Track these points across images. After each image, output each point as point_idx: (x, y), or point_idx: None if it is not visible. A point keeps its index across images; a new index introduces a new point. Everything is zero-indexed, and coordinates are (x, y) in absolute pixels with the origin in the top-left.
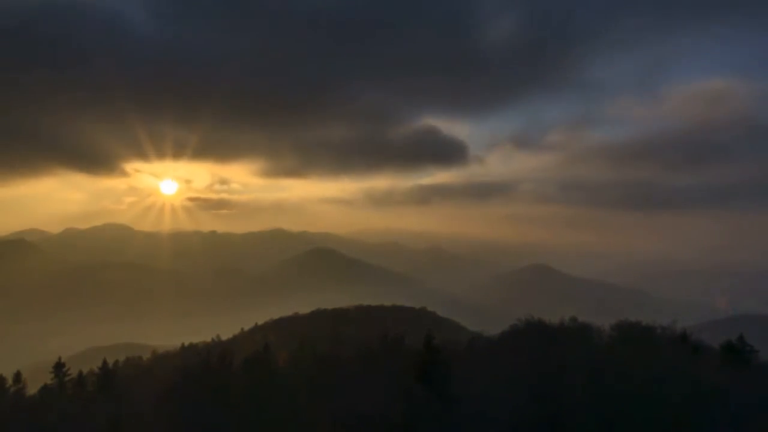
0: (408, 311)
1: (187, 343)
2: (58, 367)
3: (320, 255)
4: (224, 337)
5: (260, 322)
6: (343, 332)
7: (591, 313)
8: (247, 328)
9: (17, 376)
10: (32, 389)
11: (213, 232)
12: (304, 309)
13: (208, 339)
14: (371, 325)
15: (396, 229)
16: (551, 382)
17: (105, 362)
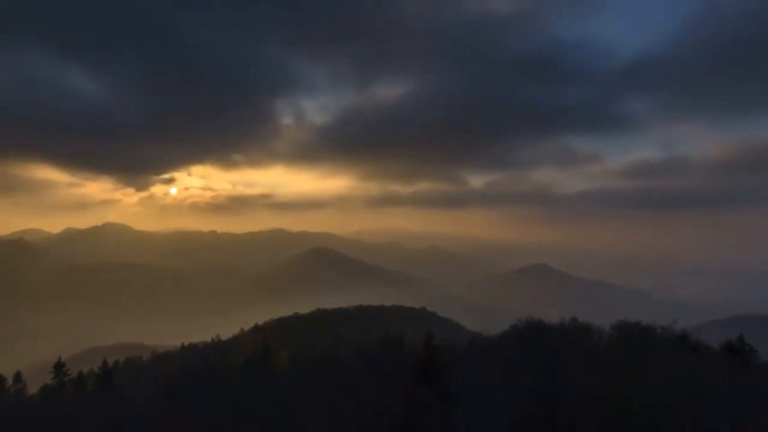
0: (408, 311)
1: (187, 343)
2: (58, 367)
3: (320, 255)
4: (224, 337)
5: (260, 322)
6: (343, 332)
7: (591, 313)
8: (247, 328)
9: (17, 376)
10: (32, 389)
11: (213, 232)
12: (304, 309)
13: (208, 339)
14: (371, 325)
15: (396, 229)
16: (551, 382)
17: (105, 362)
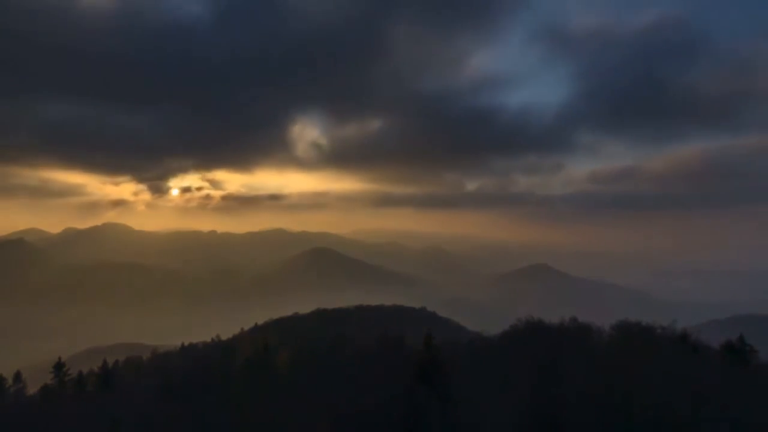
0: (408, 311)
1: (187, 343)
2: (58, 367)
3: (320, 255)
4: (224, 337)
5: (260, 322)
6: (343, 332)
7: (591, 313)
8: (247, 328)
9: (17, 376)
10: (32, 389)
11: (213, 232)
12: (304, 309)
13: (208, 339)
14: (371, 325)
15: (396, 229)
16: (551, 382)
17: (105, 362)
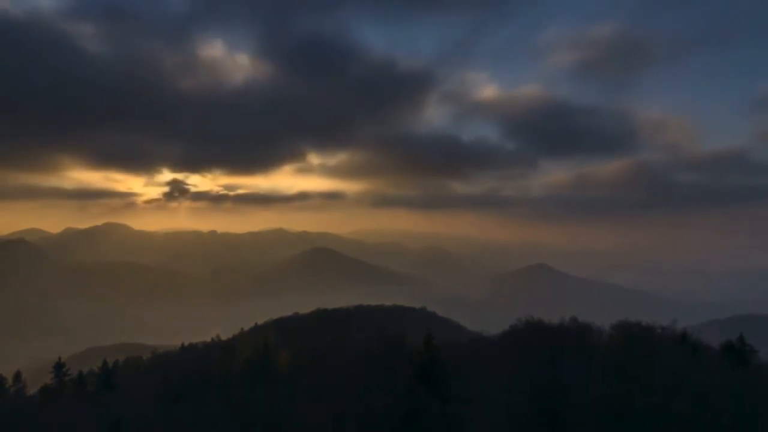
0: (408, 311)
1: (187, 343)
2: (58, 367)
3: (320, 255)
4: (224, 337)
5: (260, 322)
6: (343, 332)
7: (591, 313)
8: (247, 328)
9: (17, 376)
10: (32, 389)
11: (213, 232)
12: (304, 309)
13: (208, 339)
14: (371, 325)
15: (396, 229)
16: (551, 382)
17: (105, 362)
